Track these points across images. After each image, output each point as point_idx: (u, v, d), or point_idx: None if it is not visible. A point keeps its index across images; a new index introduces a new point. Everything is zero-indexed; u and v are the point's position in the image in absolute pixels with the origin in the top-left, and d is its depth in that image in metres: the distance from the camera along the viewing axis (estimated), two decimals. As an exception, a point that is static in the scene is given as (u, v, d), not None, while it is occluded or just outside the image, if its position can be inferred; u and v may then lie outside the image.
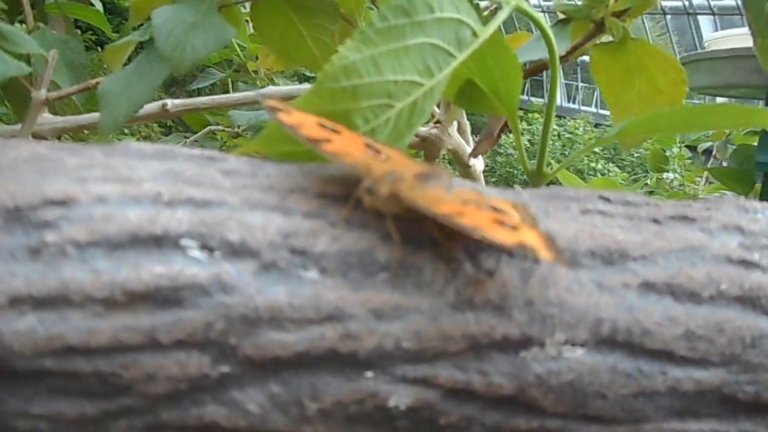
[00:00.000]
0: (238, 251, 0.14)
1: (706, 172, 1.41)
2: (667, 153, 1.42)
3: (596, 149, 3.58)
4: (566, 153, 3.57)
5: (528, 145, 3.47)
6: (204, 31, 0.24)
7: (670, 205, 0.18)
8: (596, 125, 3.80)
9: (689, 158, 1.60)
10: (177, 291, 0.13)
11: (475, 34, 0.19)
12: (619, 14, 0.26)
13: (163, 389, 0.14)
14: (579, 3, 0.27)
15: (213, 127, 0.65)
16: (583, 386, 0.15)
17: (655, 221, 0.17)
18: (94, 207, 0.14)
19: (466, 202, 0.15)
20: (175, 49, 0.24)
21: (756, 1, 0.20)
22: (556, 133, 3.64)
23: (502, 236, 0.13)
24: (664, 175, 1.39)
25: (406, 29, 0.17)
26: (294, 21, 0.30)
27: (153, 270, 0.13)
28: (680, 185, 1.47)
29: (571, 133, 3.67)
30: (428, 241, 0.15)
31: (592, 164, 3.44)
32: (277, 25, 0.30)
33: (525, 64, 0.29)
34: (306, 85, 0.40)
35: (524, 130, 3.60)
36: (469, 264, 0.15)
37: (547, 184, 0.26)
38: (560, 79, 0.39)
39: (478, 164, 0.39)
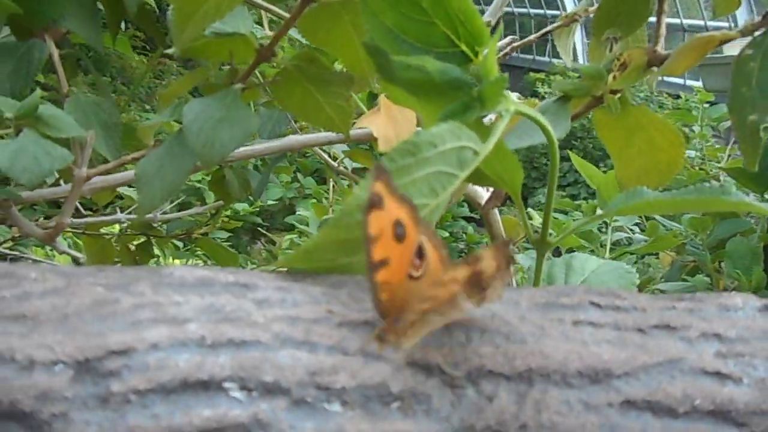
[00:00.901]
0: (272, 390, 0.16)
1: (728, 149, 1.40)
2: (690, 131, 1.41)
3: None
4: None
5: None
6: (230, 125, 0.26)
7: (657, 309, 0.20)
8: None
9: (713, 136, 1.59)
10: (223, 431, 0.16)
11: (476, 153, 0.21)
12: (615, 91, 0.27)
13: None
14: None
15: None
16: (571, 495, 0.17)
17: (640, 331, 0.19)
18: (149, 355, 0.17)
19: None
20: (204, 146, 0.26)
21: (740, 111, 0.21)
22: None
23: None
24: (686, 153, 1.37)
25: (413, 166, 0.19)
26: (311, 91, 0.32)
27: (202, 414, 0.16)
28: (702, 162, 1.46)
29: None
30: (436, 369, 0.17)
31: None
32: (296, 95, 0.32)
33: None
34: (326, 134, 0.42)
35: (547, 93, 3.56)
36: (471, 389, 0.17)
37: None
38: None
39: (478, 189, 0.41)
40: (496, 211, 0.43)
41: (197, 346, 0.17)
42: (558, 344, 0.18)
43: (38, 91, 0.30)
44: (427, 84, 0.22)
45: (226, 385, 0.16)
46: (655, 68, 0.26)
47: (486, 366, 0.18)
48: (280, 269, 0.21)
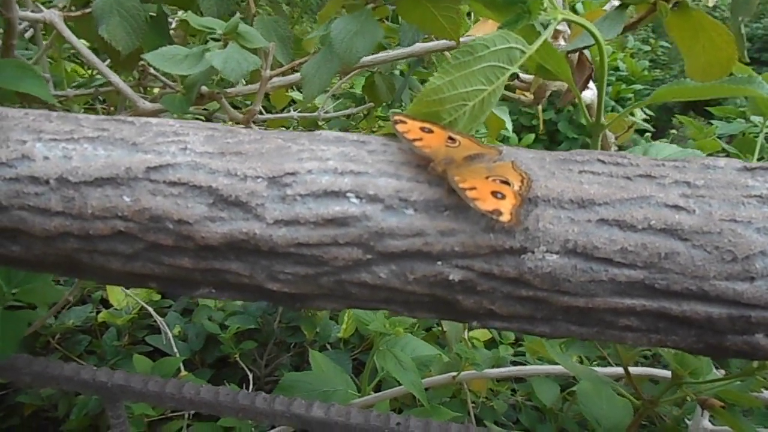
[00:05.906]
0: (373, 199, 0.28)
1: None
2: None
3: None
4: None
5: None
6: (363, 37, 0.37)
7: (648, 165, 0.28)
8: None
9: None
10: (345, 219, 0.28)
11: (523, 52, 0.29)
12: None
13: (342, 264, 0.28)
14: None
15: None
16: (556, 275, 0.26)
17: (627, 178, 0.27)
18: (307, 176, 0.29)
19: (487, 177, 0.27)
20: (345, 52, 0.37)
21: (735, 14, 0.26)
22: None
23: (485, 206, 0.25)
24: None
25: (471, 62, 0.28)
26: (428, 6, 0.41)
27: (335, 208, 0.28)
28: None
29: None
30: (475, 193, 0.27)
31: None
32: (415, 10, 0.42)
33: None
34: (444, 41, 0.50)
35: None
36: (496, 206, 0.27)
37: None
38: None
39: (586, 96, 0.47)
40: (593, 99, 0.49)
41: (333, 173, 0.29)
42: (560, 183, 0.27)
43: (237, 15, 0.43)
44: (495, 2, 0.31)
45: (348, 194, 0.28)
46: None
47: (508, 193, 0.27)
48: (386, 133, 0.32)
